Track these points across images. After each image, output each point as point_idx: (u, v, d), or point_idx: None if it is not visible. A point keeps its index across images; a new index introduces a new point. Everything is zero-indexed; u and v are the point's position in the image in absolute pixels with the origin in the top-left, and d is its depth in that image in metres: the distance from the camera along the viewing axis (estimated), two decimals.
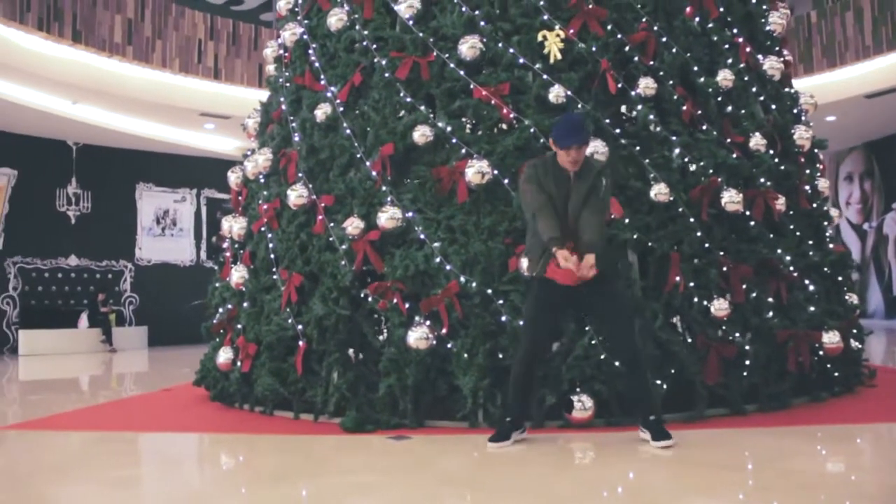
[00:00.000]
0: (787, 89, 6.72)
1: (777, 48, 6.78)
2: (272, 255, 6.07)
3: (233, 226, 6.75)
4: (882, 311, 17.45)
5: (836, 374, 5.83)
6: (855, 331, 6.45)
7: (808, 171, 6.52)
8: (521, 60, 5.42)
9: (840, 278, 6.39)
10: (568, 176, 4.39)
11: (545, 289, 4.41)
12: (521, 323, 4.69)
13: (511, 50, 5.45)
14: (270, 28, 14.55)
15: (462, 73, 5.46)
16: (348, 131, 5.75)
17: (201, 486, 4.06)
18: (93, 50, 12.66)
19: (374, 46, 5.84)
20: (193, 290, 12.25)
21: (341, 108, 5.87)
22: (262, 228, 6.26)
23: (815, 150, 6.88)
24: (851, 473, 3.86)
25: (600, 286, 4.35)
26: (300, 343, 5.51)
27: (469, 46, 5.43)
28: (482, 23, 5.55)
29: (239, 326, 6.23)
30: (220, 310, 6.80)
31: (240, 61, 14.29)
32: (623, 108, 5.61)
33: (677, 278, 5.07)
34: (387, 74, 5.64)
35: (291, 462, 4.33)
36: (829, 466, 4.01)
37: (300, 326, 5.54)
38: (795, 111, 6.68)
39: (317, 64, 6.23)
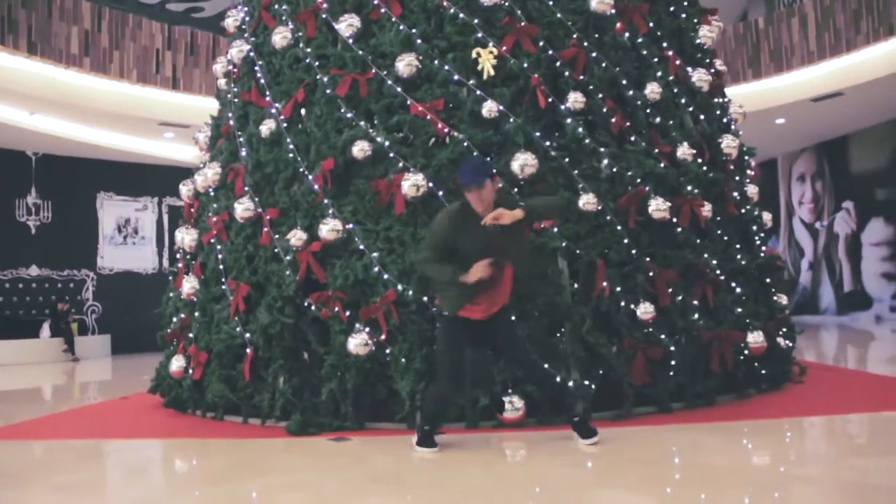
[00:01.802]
0: (716, 99, 7.02)
1: (707, 60, 7.08)
2: (221, 266, 6.26)
3: (184, 237, 6.93)
4: (834, 307, 17.94)
5: (763, 371, 6.13)
6: (784, 330, 6.76)
7: (737, 178, 6.82)
8: (456, 77, 5.66)
9: (768, 280, 6.70)
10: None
11: (458, 325, 4.56)
12: (438, 356, 4.77)
13: (446, 67, 5.68)
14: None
15: (399, 89, 5.68)
16: (292, 146, 5.96)
17: (154, 488, 4.27)
18: (49, 61, 12.73)
19: (317, 64, 6.05)
20: (156, 298, 12.31)
21: (285, 124, 6.08)
22: (212, 240, 6.45)
23: (746, 157, 7.19)
24: (769, 464, 4.10)
25: (498, 316, 4.58)
26: (248, 350, 5.72)
27: (406, 64, 5.65)
28: (419, 41, 5.78)
29: (191, 335, 6.41)
30: (174, 319, 6.97)
31: (198, 71, 14.41)
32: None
33: (604, 283, 5.33)
34: (328, 91, 5.86)
35: (238, 464, 4.54)
36: (751, 458, 4.28)
37: (247, 335, 5.74)
38: (725, 120, 6.98)
39: (262, 80, 6.44)
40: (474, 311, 4.52)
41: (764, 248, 6.97)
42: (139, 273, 17.52)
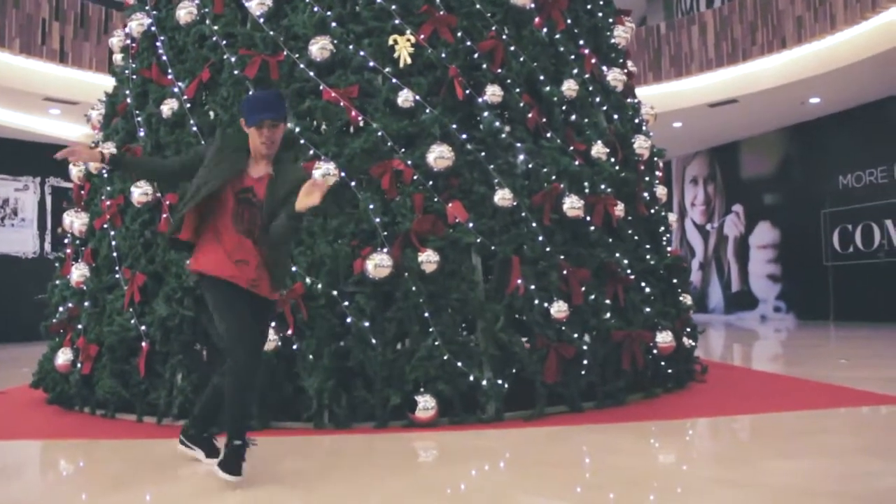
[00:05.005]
0: (629, 100, 7.05)
1: (621, 60, 7.10)
2: (115, 254, 5.89)
3: (74, 221, 6.49)
4: (721, 306, 18.57)
5: (670, 371, 6.18)
6: (688, 329, 6.86)
7: (647, 179, 6.87)
8: (371, 64, 5.47)
9: (675, 280, 6.77)
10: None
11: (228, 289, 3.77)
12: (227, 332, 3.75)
13: (361, 53, 5.48)
14: (122, 11, 13.95)
15: (312, 73, 5.45)
16: (195, 128, 5.64)
17: (34, 495, 3.89)
18: None
19: (224, 43, 5.74)
20: (37, 284, 11.65)
21: (188, 105, 5.75)
22: (105, 225, 6.07)
23: (655, 159, 7.26)
24: (679, 465, 4.10)
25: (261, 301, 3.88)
26: (143, 344, 5.38)
27: (319, 47, 5.43)
28: (333, 24, 5.55)
29: (80, 327, 6.00)
30: (61, 309, 6.53)
31: (88, 45, 13.60)
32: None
33: (519, 281, 5.25)
34: (236, 72, 5.57)
35: (131, 467, 4.22)
36: (660, 459, 4.27)
37: (143, 327, 5.41)
38: (637, 121, 7.01)
39: (164, 57, 6.07)
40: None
41: (670, 248, 7.07)
42: (18, 257, 16.51)
